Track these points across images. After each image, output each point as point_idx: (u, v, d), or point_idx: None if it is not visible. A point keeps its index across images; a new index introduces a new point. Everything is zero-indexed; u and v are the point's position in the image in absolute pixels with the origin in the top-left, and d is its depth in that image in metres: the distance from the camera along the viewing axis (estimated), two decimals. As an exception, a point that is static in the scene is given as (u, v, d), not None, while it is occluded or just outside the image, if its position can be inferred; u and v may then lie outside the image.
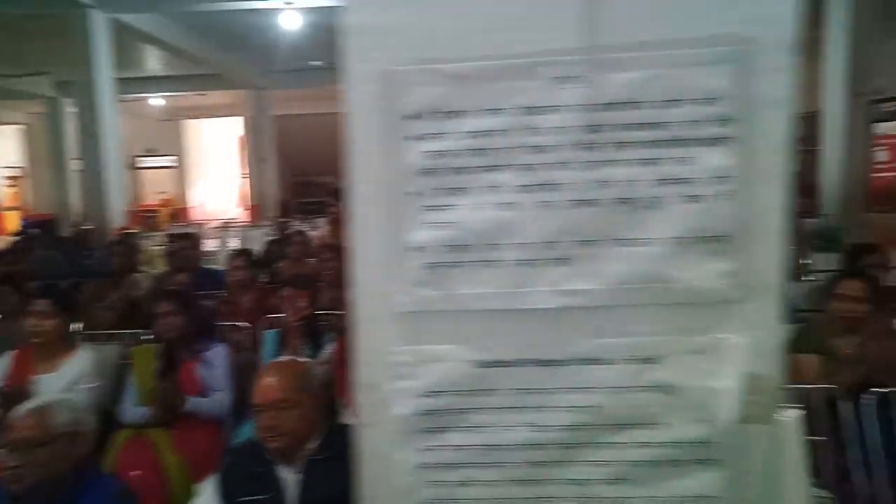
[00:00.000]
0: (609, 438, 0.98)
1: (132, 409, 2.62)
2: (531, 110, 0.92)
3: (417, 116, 0.94)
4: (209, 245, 8.15)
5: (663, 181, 0.92)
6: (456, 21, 0.92)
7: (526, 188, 0.94)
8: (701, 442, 0.96)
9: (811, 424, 2.29)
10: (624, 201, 0.93)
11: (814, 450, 2.35)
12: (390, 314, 0.97)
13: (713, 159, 0.91)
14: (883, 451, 2.19)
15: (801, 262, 5.12)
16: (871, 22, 6.69)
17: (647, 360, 0.96)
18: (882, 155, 11.48)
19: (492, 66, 0.92)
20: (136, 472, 2.41)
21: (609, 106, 0.91)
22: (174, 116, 16.84)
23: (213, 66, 11.26)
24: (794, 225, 4.40)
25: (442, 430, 0.99)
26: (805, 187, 9.48)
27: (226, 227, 10.58)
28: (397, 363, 0.98)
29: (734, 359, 0.93)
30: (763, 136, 0.89)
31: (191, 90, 13.89)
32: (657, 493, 0.97)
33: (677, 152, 0.91)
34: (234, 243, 8.34)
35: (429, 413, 0.99)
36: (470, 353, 0.98)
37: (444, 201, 0.96)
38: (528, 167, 0.94)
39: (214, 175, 17.70)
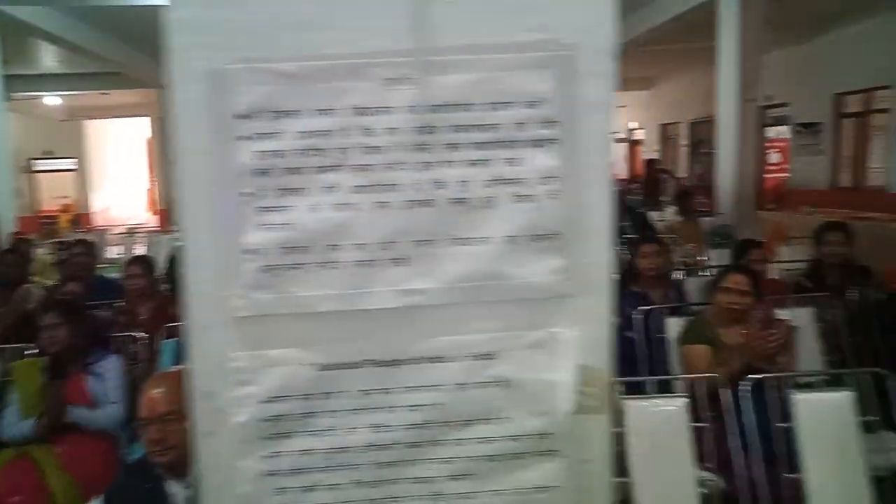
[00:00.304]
0: (453, 435, 0.99)
1: (13, 426, 2.47)
2: (363, 111, 0.93)
3: (248, 116, 0.93)
4: (112, 252, 7.77)
5: (495, 181, 0.95)
6: (285, 19, 0.91)
7: (362, 189, 0.94)
8: (540, 434, 0.99)
9: (698, 412, 2.44)
10: (458, 201, 0.95)
11: (699, 435, 2.50)
12: (226, 319, 0.95)
13: (540, 160, 0.94)
14: (759, 433, 2.34)
15: (698, 258, 5.41)
16: (759, 32, 7.14)
17: (486, 357, 0.98)
18: (773, 157, 12.30)
19: (323, 66, 0.92)
20: (15, 499, 2.26)
21: (440, 107, 0.93)
22: (74, 116, 15.90)
23: (116, 65, 10.72)
24: (694, 223, 4.66)
25: (285, 435, 0.98)
26: (705, 188, 10.03)
27: (131, 232, 10.10)
28: (235, 369, 0.96)
29: (568, 352, 0.96)
30: (586, 137, 0.93)
31: (91, 89, 13.18)
32: (501, 487, 1.00)
33: (507, 153, 0.94)
34: (139, 250, 7.97)
35: (271, 419, 0.97)
36: (311, 356, 0.97)
37: (280, 202, 0.94)
38: (364, 168, 0.94)
39: (120, 178, 16.85)
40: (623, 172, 18.24)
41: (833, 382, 2.52)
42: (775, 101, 11.17)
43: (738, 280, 2.78)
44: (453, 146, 0.94)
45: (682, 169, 15.21)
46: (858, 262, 4.09)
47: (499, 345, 0.98)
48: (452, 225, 0.95)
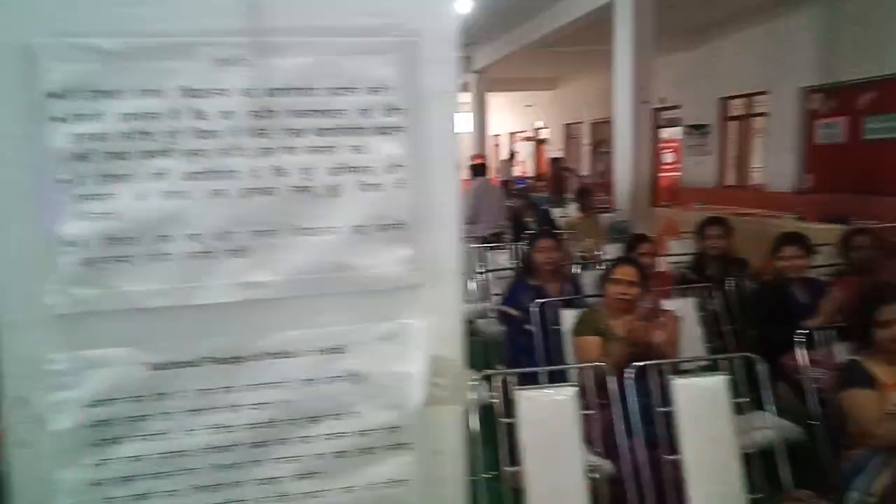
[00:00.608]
0: (299, 433, 0.96)
1: None
2: (194, 93, 0.87)
3: (63, 96, 0.85)
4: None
5: (339, 169, 0.92)
6: (105, -9, 0.84)
7: (195, 175, 0.88)
8: (391, 427, 0.97)
9: (588, 400, 2.52)
10: (300, 189, 0.91)
11: (589, 423, 2.58)
12: (42, 317, 0.87)
13: (386, 148, 0.92)
14: (643, 418, 2.44)
15: (596, 252, 5.60)
16: (651, 38, 7.49)
17: (335, 350, 0.95)
18: (668, 157, 12.97)
19: (148, 44, 0.85)
20: None
21: (277, 91, 0.89)
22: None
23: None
24: (593, 219, 4.79)
25: (113, 441, 0.91)
26: (605, 186, 10.44)
27: None
28: (54, 372, 0.88)
29: (419, 343, 0.94)
30: (432, 126, 0.92)
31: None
32: (351, 483, 0.97)
33: (351, 140, 0.91)
34: None
35: (96, 425, 0.90)
36: (142, 355, 0.90)
37: (102, 189, 0.87)
38: (196, 153, 0.88)
39: None
40: (530, 170, 18.72)
41: (712, 367, 2.66)
42: (668, 104, 11.79)
43: (626, 272, 2.89)
44: (294, 132, 0.90)
45: (584, 167, 15.77)
46: (737, 254, 4.38)
47: (347, 338, 0.95)
48: (295, 214, 0.91)
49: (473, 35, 10.93)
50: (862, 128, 8.12)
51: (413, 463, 0.98)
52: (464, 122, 15.32)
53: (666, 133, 12.72)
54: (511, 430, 2.30)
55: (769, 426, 2.53)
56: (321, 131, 0.91)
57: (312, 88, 0.89)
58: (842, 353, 2.62)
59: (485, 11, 9.18)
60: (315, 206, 0.92)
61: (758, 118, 10.06)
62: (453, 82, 0.93)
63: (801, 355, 2.71)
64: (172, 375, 0.91)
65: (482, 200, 6.32)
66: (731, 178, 10.81)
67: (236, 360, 0.93)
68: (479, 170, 6.61)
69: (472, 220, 6.29)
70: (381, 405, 0.96)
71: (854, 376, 2.30)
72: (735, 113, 10.61)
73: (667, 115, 12.26)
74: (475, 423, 2.31)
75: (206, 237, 0.89)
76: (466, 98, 14.54)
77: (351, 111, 0.91)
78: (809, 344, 2.74)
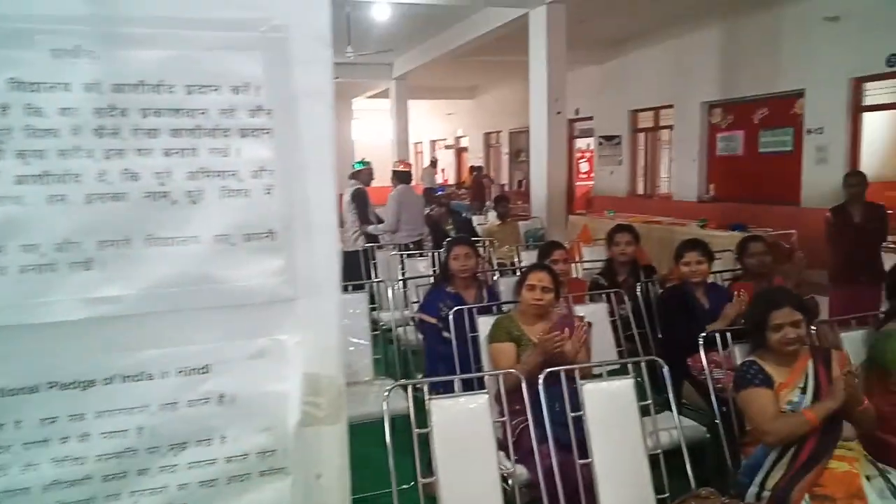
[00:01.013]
0: (161, 462, 0.87)
1: None
2: (28, 87, 0.77)
3: None
4: None
5: (199, 173, 0.84)
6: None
7: (31, 179, 0.79)
8: (264, 452, 0.90)
9: (504, 407, 2.51)
10: (156, 195, 0.83)
11: (504, 429, 2.57)
12: None
13: (252, 151, 0.85)
14: (554, 423, 2.45)
15: (514, 259, 5.66)
16: (564, 50, 7.70)
17: (199, 370, 0.87)
18: (584, 166, 13.38)
19: (-29, 30, 0.75)
20: None
21: (129, 87, 0.80)
22: None
23: None
24: (511, 227, 4.81)
25: (-67, 482, 0.79)
26: (524, 194, 10.65)
27: None
28: None
29: (293, 360, 0.88)
30: (304, 129, 0.86)
31: None
32: (221, 514, 0.89)
33: (213, 143, 0.84)
34: None
35: None
36: (-31, 382, 0.79)
37: None
38: (33, 154, 0.78)
39: None
40: (452, 178, 18.86)
41: (622, 371, 2.71)
42: (583, 115, 12.17)
43: (540, 277, 2.91)
44: (147, 132, 0.81)
45: (504, 176, 16.04)
46: (648, 260, 4.53)
47: (213, 356, 0.87)
48: (149, 222, 0.83)
49: (393, 42, 10.90)
50: (758, 141, 8.65)
51: (290, 488, 0.90)
52: (384, 129, 15.26)
53: (583, 143, 13.13)
54: (426, 440, 2.26)
55: (675, 427, 2.59)
56: (178, 132, 0.83)
57: (169, 85, 0.81)
58: (740, 354, 2.73)
59: (403, 18, 9.18)
60: (172, 213, 0.83)
61: (665, 130, 10.54)
62: (327, 82, 0.87)
63: (703, 357, 2.81)
64: (10, 404, 0.80)
65: (404, 208, 6.25)
66: (641, 188, 11.26)
67: (86, 384, 0.83)
68: (403, 177, 6.50)
69: (393, 228, 6.21)
70: (252, 428, 0.89)
71: (750, 376, 2.39)
72: (644, 125, 11.09)
73: (581, 125, 12.65)
74: (389, 434, 2.26)
75: (45, 248, 0.79)
76: (387, 105, 14.49)
77: (212, 111, 0.83)
78: (711, 346, 2.84)
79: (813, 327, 2.78)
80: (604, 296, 3.73)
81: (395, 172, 6.56)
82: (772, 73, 8.20)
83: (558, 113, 7.77)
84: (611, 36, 10.35)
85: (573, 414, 2.41)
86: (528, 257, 5.36)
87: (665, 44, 9.98)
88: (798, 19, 7.81)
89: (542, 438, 2.41)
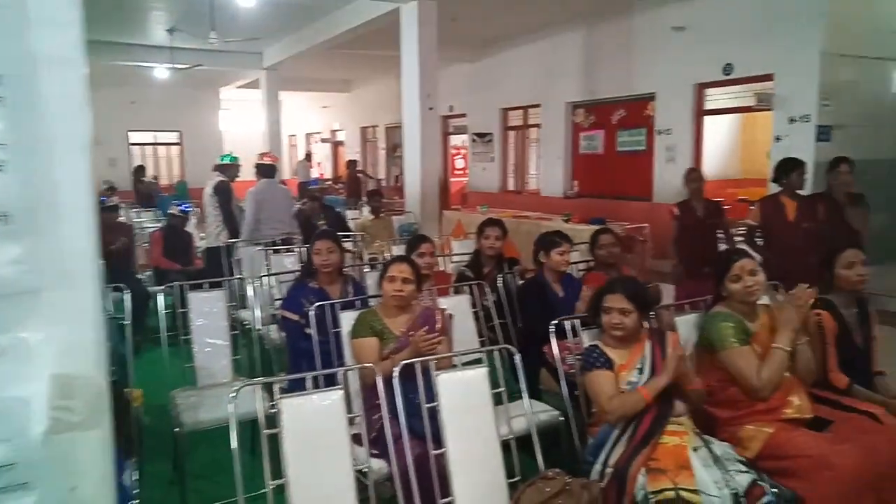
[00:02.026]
0: None
1: None
2: None
3: None
4: None
5: None
6: None
7: None
8: (2, 465, 0.78)
9: (364, 401, 2.46)
10: None
11: (364, 423, 2.52)
12: None
13: None
14: (411, 414, 2.44)
15: (387, 254, 5.61)
16: (435, 47, 7.77)
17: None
18: (459, 163, 13.62)
19: None
20: None
21: None
22: None
23: None
24: (385, 221, 4.71)
25: None
26: (400, 189, 10.66)
27: None
28: None
29: (39, 360, 0.77)
30: (46, 98, 0.75)
31: None
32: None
33: None
34: None
35: None
36: None
37: None
38: None
39: None
40: (328, 172, 18.50)
41: (483, 360, 2.74)
42: (456, 112, 12.37)
43: (400, 269, 2.88)
44: None
45: (381, 171, 15.96)
46: (516, 253, 4.66)
47: None
48: None
49: (262, 30, 10.47)
50: (616, 140, 9.22)
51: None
52: (256, 120, 14.65)
53: (458, 140, 13.34)
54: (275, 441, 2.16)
55: (528, 413, 2.67)
56: None
57: None
58: (588, 340, 2.86)
59: (271, 6, 8.83)
60: None
61: (534, 129, 10.96)
62: (77, 47, 0.76)
63: (555, 345, 2.93)
64: None
65: (266, 205, 5.97)
66: (512, 184, 11.64)
67: None
68: (267, 171, 6.20)
69: (251, 226, 5.94)
70: (-11, 438, 0.77)
71: (592, 360, 2.51)
72: (514, 123, 11.46)
73: (456, 122, 12.85)
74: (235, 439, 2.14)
75: None
76: (258, 95, 13.94)
77: None
78: (563, 334, 2.96)
79: (653, 312, 2.98)
80: (468, 287, 3.78)
81: (258, 166, 6.26)
82: (627, 76, 8.75)
83: (431, 109, 7.83)
84: (483, 35, 10.60)
85: (428, 405, 2.42)
86: (400, 252, 5.34)
87: (533, 45, 10.37)
88: (649, 27, 8.39)
89: (399, 432, 2.39)
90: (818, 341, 2.80)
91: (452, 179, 13.43)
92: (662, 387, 2.37)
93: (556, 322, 2.96)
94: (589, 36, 9.35)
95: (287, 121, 14.91)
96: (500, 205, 10.36)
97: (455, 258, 5.20)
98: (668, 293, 5.12)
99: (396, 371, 2.41)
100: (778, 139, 7.05)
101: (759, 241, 4.67)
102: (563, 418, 2.89)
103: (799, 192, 4.67)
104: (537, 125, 10.72)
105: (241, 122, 17.88)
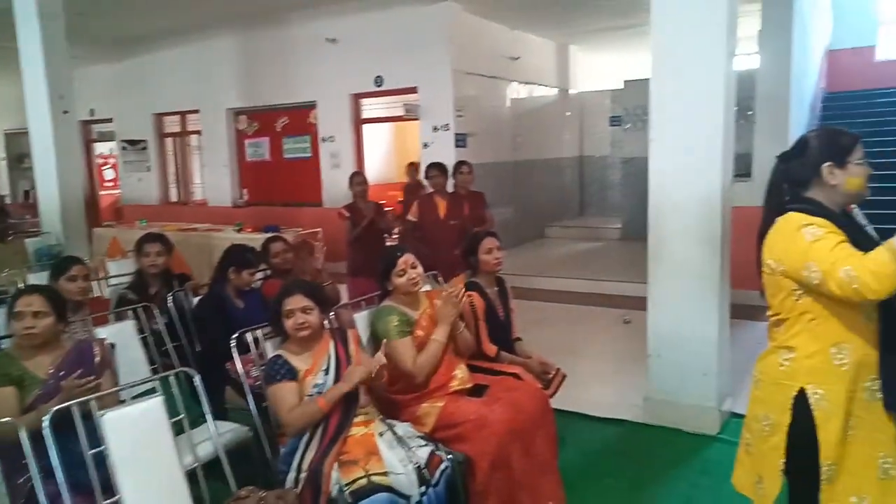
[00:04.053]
0: None
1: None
2: None
3: None
4: None
5: None
6: None
7: None
8: None
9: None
10: None
11: (13, 489, 2.07)
12: None
13: None
14: (74, 466, 2.10)
15: (21, 285, 4.69)
16: (64, 42, 6.73)
17: None
18: (108, 173, 12.11)
19: None
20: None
21: None
22: None
23: None
24: (14, 245, 3.88)
25: None
26: (33, 206, 9.00)
27: None
28: None
29: None
30: None
31: None
32: None
33: None
34: None
35: None
36: None
37: None
38: None
39: None
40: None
41: (164, 388, 2.50)
42: (100, 117, 10.98)
43: (29, 302, 2.44)
44: None
45: (5, 185, 13.31)
46: (187, 269, 4.34)
47: None
48: None
49: None
50: (282, 147, 9.27)
51: None
52: None
53: (106, 148, 11.84)
54: None
55: (214, 435, 2.54)
56: None
57: None
58: (272, 350, 2.83)
59: None
60: None
61: (194, 135, 10.34)
62: None
63: (237, 360, 2.83)
64: None
65: None
66: (175, 195, 10.83)
67: None
68: None
69: None
70: None
71: (274, 371, 2.49)
72: (171, 129, 10.66)
73: (101, 128, 11.41)
74: None
75: None
76: None
77: None
78: (246, 347, 2.88)
79: (332, 312, 3.09)
80: (131, 312, 3.43)
81: None
82: (288, 84, 8.87)
83: (66, 112, 6.78)
84: (123, 33, 9.56)
85: (94, 451, 2.13)
86: (40, 280, 4.56)
87: (188, 47, 9.76)
88: (306, 38, 8.63)
89: (57, 490, 2.06)
90: (471, 319, 3.25)
91: (102, 193, 11.89)
92: (341, 395, 2.46)
93: (236, 336, 2.87)
94: (248, 42, 9.19)
95: None
96: (163, 218, 9.54)
97: (112, 281, 4.65)
98: (345, 292, 5.37)
99: (47, 421, 2.06)
100: (426, 145, 7.93)
101: (418, 236, 5.20)
102: (252, 433, 2.82)
103: (448, 191, 5.33)
104: (198, 132, 10.15)
105: None
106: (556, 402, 3.14)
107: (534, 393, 2.93)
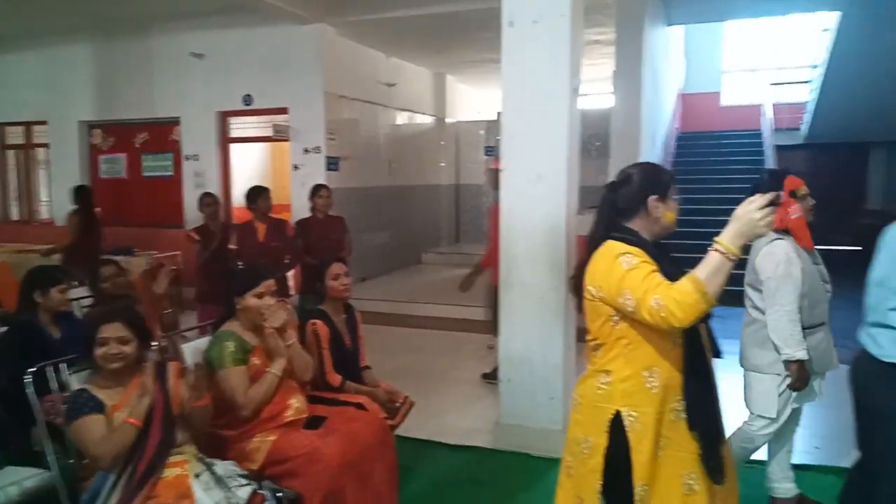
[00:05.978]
0: None
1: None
2: None
3: None
4: None
5: None
6: None
7: None
8: None
9: None
10: None
11: None
12: None
13: None
14: None
15: None
16: None
17: None
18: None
19: None
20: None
21: None
22: None
23: None
24: None
25: None
26: None
27: None
28: None
29: None
30: None
31: None
32: None
33: None
34: None
35: None
36: None
37: None
38: None
39: None
40: None
41: None
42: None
43: None
44: None
45: None
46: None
47: None
48: None
49: None
50: (142, 164, 8.68)
51: None
52: None
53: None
54: None
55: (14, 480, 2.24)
56: None
57: None
58: (78, 383, 2.56)
59: None
60: None
61: (41, 149, 9.46)
62: None
63: (33, 397, 2.53)
64: None
65: None
66: (16, 213, 9.83)
67: None
68: None
69: None
70: None
71: (79, 405, 2.24)
72: (14, 141, 9.70)
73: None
74: None
75: None
76: None
77: None
78: (47, 382, 2.58)
79: (159, 342, 2.85)
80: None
81: None
82: (149, 99, 8.35)
83: None
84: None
85: None
86: None
87: (35, 53, 8.96)
88: (169, 51, 8.18)
89: None
90: (315, 347, 3.11)
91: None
92: (148, 408, 2.26)
93: (32, 371, 2.57)
94: (104, 52, 8.57)
95: None
96: (1, 238, 8.59)
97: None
98: (192, 318, 5.03)
99: None
100: (296, 167, 7.72)
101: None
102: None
103: (269, 215, 5.17)
104: (45, 145, 9.29)
105: None
106: (409, 431, 3.07)
107: (373, 423, 2.84)
